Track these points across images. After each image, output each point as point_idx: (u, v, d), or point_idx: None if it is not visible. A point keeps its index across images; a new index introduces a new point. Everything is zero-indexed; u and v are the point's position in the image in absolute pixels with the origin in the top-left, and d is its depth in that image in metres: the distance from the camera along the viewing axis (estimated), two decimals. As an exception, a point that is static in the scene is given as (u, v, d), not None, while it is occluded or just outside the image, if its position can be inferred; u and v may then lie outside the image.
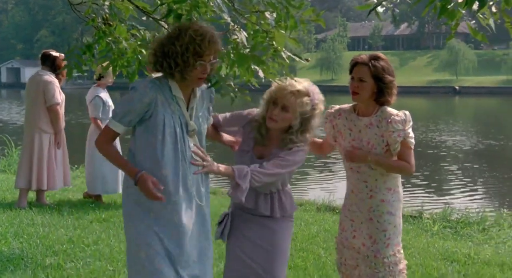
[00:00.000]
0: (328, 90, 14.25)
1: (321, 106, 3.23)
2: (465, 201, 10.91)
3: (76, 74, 4.75)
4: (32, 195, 7.30)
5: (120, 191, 7.64)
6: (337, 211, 7.73)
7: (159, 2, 4.04)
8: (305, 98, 3.14)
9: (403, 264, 3.57)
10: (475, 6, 2.87)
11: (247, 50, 3.56)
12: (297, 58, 3.98)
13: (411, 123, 3.42)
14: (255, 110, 3.32)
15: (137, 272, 2.93)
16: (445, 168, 15.73)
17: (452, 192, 12.43)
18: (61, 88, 7.18)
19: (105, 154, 2.99)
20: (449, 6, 3.07)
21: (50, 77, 6.96)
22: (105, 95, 7.40)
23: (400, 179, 3.57)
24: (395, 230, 3.50)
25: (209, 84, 3.18)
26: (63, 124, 7.13)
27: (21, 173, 7.02)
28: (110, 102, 7.43)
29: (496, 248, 6.19)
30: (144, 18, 4.45)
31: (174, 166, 2.91)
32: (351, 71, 3.48)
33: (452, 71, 65.71)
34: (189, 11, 3.58)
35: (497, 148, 19.39)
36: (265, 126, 3.22)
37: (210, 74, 2.96)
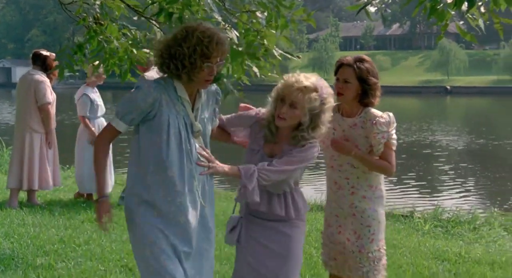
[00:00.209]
0: (320, 90, 14.18)
1: (330, 100, 3.14)
2: (456, 201, 10.95)
3: (68, 74, 4.74)
4: (23, 195, 7.28)
5: (110, 189, 7.65)
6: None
7: (150, 1, 4.04)
8: (313, 94, 3.06)
9: (385, 259, 3.64)
10: (464, 7, 2.89)
11: (240, 48, 3.57)
12: (288, 56, 4.01)
13: (395, 125, 3.50)
14: (262, 110, 3.27)
15: (146, 270, 2.92)
16: (437, 167, 15.79)
17: (444, 191, 12.48)
18: (53, 88, 7.16)
19: (96, 152, 2.97)
20: (438, 7, 3.09)
21: (41, 76, 6.94)
22: (93, 94, 7.41)
23: (382, 177, 3.63)
24: (380, 225, 3.57)
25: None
26: (54, 124, 7.12)
27: (12, 172, 6.99)
28: (98, 101, 7.43)
29: (486, 247, 6.23)
30: (135, 17, 4.45)
31: (179, 166, 2.87)
32: (336, 72, 3.55)
33: (444, 71, 65.93)
34: (181, 10, 3.58)
35: (488, 148, 19.49)
36: (274, 125, 3.16)
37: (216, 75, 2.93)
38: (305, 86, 3.05)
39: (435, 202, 9.90)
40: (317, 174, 14.03)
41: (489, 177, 14.20)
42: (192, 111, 2.94)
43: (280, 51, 3.95)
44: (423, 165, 16.04)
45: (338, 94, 3.46)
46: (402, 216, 7.71)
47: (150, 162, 2.87)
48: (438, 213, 7.76)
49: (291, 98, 3.05)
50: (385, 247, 3.65)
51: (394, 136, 3.51)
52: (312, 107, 3.07)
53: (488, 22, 3.25)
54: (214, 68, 2.83)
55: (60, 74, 4.45)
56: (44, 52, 7.12)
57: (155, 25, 3.93)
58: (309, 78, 3.09)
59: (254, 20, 3.84)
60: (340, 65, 3.52)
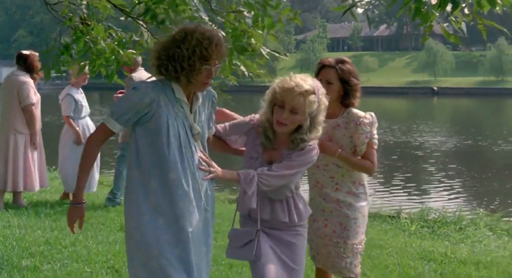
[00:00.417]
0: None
1: (325, 100, 3.09)
2: (443, 201, 11.02)
3: (55, 75, 4.71)
4: (9, 197, 7.22)
5: (95, 189, 7.63)
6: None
7: (136, 1, 4.03)
8: (312, 97, 2.98)
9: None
10: (449, 8, 2.91)
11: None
12: (276, 54, 4.02)
13: (376, 124, 3.56)
14: (256, 116, 3.20)
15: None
16: (425, 168, 15.87)
17: (431, 192, 12.56)
18: (39, 88, 7.12)
19: (86, 152, 2.91)
20: (422, 9, 3.11)
21: (25, 77, 6.89)
22: (78, 94, 7.40)
23: (364, 174, 3.67)
24: (364, 219, 3.64)
25: None
26: (39, 125, 7.07)
27: (-4, 174, 6.93)
28: (83, 102, 7.43)
29: (472, 247, 6.28)
30: (122, 17, 4.43)
31: (181, 169, 2.81)
32: (317, 74, 3.58)
33: (431, 72, 66.31)
34: (166, 10, 3.57)
35: (475, 149, 19.63)
36: (271, 130, 3.08)
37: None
38: (306, 90, 2.96)
39: (422, 203, 9.97)
40: (306, 173, 14.06)
41: (476, 178, 14.30)
42: (190, 113, 2.89)
43: (268, 50, 3.96)
44: (410, 166, 16.12)
45: None
46: (389, 216, 7.75)
47: (152, 165, 2.81)
48: (425, 213, 7.80)
49: (292, 104, 2.96)
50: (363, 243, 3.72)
51: (376, 135, 3.57)
52: (311, 111, 3.01)
53: (472, 23, 3.28)
54: (212, 71, 2.79)
55: (46, 75, 4.42)
56: (25, 52, 7.07)
57: (142, 25, 3.92)
58: (306, 81, 3.01)
59: (241, 20, 3.85)
60: (322, 67, 3.56)
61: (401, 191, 12.40)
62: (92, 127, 7.54)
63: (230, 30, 3.86)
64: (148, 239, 2.80)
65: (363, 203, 3.63)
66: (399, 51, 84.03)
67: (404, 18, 70.97)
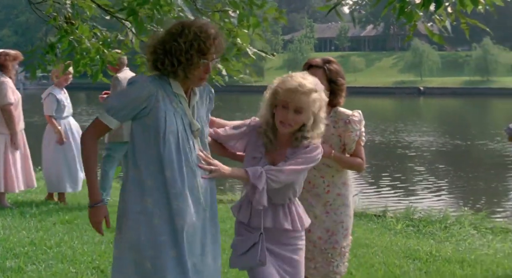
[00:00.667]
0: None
1: (325, 97, 3.05)
2: (430, 201, 11.10)
3: (41, 74, 4.69)
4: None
5: (80, 188, 7.60)
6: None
7: (124, 4, 4.00)
8: (315, 95, 2.94)
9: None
10: (432, 7, 2.93)
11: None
12: (263, 54, 4.02)
13: (363, 122, 3.57)
14: (257, 118, 3.14)
15: None
16: (412, 167, 15.96)
17: (418, 191, 12.64)
18: (25, 88, 7.09)
19: (84, 151, 2.79)
20: (406, 9, 3.13)
21: (2, 77, 6.83)
22: (60, 94, 7.37)
23: (350, 172, 3.70)
24: (350, 220, 3.65)
25: None
26: (22, 125, 7.02)
27: (-23, 175, 6.87)
28: (65, 102, 7.41)
29: (456, 245, 6.32)
30: (107, 17, 4.41)
31: (178, 167, 2.73)
32: None
33: (417, 72, 66.61)
34: (151, 10, 3.57)
35: (462, 148, 19.77)
36: (272, 131, 3.03)
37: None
38: (309, 89, 2.93)
39: (409, 202, 10.03)
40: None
41: (463, 177, 14.41)
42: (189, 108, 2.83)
43: (255, 50, 3.96)
44: (397, 165, 16.20)
45: None
46: (375, 215, 7.79)
47: (148, 163, 2.74)
48: (410, 212, 7.85)
49: (296, 104, 2.92)
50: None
51: (364, 133, 3.59)
52: (314, 109, 2.97)
53: (455, 22, 3.31)
54: (210, 65, 2.74)
55: (32, 74, 4.40)
56: None
57: (126, 26, 3.91)
58: (307, 79, 2.98)
59: (226, 20, 3.85)
60: (309, 67, 3.55)
61: (388, 190, 12.47)
62: (75, 126, 7.51)
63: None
64: (143, 239, 2.74)
65: (350, 203, 3.65)
66: (385, 51, 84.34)
67: (390, 18, 71.20)
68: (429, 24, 3.49)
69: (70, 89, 7.65)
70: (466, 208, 8.88)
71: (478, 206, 10.50)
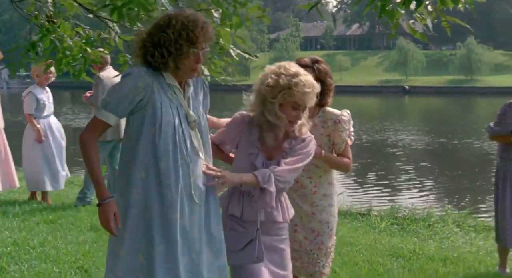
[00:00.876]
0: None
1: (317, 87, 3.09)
2: (415, 199, 11.16)
3: (25, 73, 4.66)
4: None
5: (62, 186, 7.56)
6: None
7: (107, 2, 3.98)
8: (316, 90, 3.04)
9: None
10: (413, 6, 2.95)
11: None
12: (246, 55, 4.02)
13: (352, 121, 3.59)
14: (244, 113, 3.15)
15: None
16: (397, 166, 16.05)
17: (403, 190, 12.71)
18: (8, 87, 7.04)
19: (85, 153, 2.73)
20: (387, 8, 3.14)
21: None
22: (41, 93, 7.33)
23: (335, 172, 3.72)
24: (335, 220, 3.66)
25: None
26: (0, 124, 6.97)
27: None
28: (46, 100, 7.37)
29: (440, 243, 6.37)
30: (91, 15, 4.39)
31: (173, 158, 2.71)
32: None
33: (402, 71, 66.91)
34: (131, 8, 3.55)
35: (447, 147, 19.91)
36: (267, 125, 3.05)
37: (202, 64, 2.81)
38: (315, 87, 3.00)
39: (394, 201, 10.09)
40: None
41: (447, 175, 14.51)
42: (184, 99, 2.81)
43: (238, 51, 3.95)
44: (383, 164, 16.28)
45: None
46: (360, 214, 7.81)
47: (143, 155, 2.71)
48: (395, 210, 7.89)
49: (306, 103, 3.01)
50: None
51: (352, 132, 3.61)
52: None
53: (436, 20, 3.33)
54: (200, 55, 2.72)
55: (12, 72, 4.37)
56: None
57: (107, 25, 3.88)
58: (307, 75, 3.02)
59: (209, 19, 3.83)
60: None
61: (373, 189, 12.54)
62: (56, 125, 7.47)
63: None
64: (137, 234, 2.72)
65: (335, 203, 3.66)
66: (371, 50, 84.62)
67: (375, 17, 71.39)
68: (411, 22, 3.50)
69: (56, 88, 7.61)
70: (450, 206, 8.95)
71: (462, 204, 10.58)
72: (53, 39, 4.12)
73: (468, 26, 3.51)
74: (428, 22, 3.25)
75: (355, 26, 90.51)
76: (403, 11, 3.17)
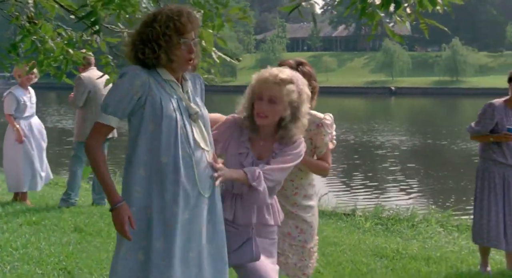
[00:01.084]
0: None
1: (307, 90, 3.07)
2: (401, 199, 11.23)
3: (9, 74, 4.65)
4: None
5: (39, 188, 7.52)
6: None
7: (88, 3, 3.97)
8: (290, 86, 2.97)
9: None
10: (392, 8, 2.98)
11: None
12: (228, 59, 4.02)
13: (334, 126, 3.58)
14: (235, 115, 3.15)
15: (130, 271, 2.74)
16: (383, 167, 16.13)
17: (389, 190, 12.79)
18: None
19: (92, 159, 2.72)
20: (367, 10, 3.17)
21: None
22: (23, 94, 7.29)
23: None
24: (317, 220, 3.67)
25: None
26: None
27: None
28: (27, 101, 7.33)
29: (423, 243, 6.42)
30: (72, 16, 4.38)
31: (174, 153, 2.69)
32: None
33: (388, 72, 67.28)
34: (114, 10, 3.55)
35: (432, 147, 20.03)
36: (254, 125, 3.05)
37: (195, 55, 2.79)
38: (281, 79, 2.96)
39: (379, 201, 10.14)
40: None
41: (432, 176, 14.60)
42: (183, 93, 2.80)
43: (219, 54, 3.95)
44: (369, 165, 16.35)
45: None
46: (344, 214, 7.85)
47: (143, 152, 2.70)
48: (379, 211, 7.93)
49: (268, 93, 2.96)
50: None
51: (334, 136, 3.60)
52: (291, 100, 2.99)
53: (414, 22, 3.36)
54: (191, 45, 2.72)
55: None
56: None
57: (88, 25, 3.86)
58: (283, 71, 3.01)
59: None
60: None
61: (358, 190, 12.59)
62: (37, 126, 7.43)
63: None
64: (137, 231, 2.70)
65: (315, 204, 3.67)
66: (357, 51, 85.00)
67: (362, 18, 71.56)
68: (391, 25, 3.53)
69: (41, 89, 7.58)
70: (434, 206, 9.02)
71: (447, 204, 10.66)
72: (34, 40, 4.11)
73: (446, 29, 3.54)
74: (407, 24, 3.27)
75: (341, 27, 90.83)
76: (382, 14, 3.20)
